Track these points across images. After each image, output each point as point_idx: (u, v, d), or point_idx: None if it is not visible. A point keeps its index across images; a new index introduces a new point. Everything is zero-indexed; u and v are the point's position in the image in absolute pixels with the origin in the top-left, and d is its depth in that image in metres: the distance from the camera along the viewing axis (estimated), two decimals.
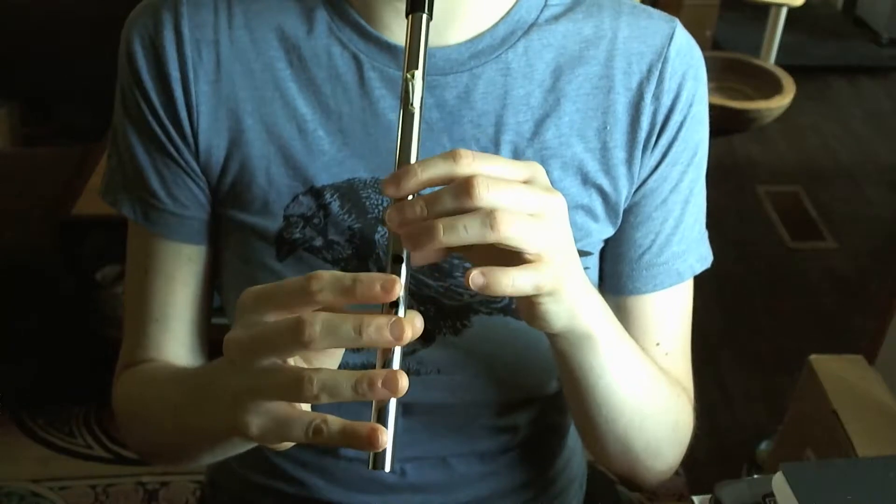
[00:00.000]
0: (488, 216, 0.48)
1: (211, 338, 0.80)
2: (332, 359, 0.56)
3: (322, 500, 0.83)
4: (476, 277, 0.49)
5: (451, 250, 0.51)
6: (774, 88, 3.15)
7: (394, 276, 0.48)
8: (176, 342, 0.78)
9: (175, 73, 0.70)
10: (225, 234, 0.76)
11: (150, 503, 1.88)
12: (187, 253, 0.76)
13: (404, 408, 0.77)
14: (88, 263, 2.03)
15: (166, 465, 1.80)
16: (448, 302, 0.72)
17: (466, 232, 0.48)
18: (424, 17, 0.55)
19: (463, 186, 0.49)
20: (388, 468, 0.48)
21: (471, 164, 0.50)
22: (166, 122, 0.71)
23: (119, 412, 0.80)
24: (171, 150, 0.72)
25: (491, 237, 0.49)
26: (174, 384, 0.71)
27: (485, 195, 0.49)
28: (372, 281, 0.47)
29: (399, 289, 0.47)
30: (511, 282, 0.50)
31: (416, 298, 0.72)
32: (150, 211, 0.75)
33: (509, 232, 0.49)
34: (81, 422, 2.04)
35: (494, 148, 0.71)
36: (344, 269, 0.72)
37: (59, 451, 1.97)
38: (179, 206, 0.74)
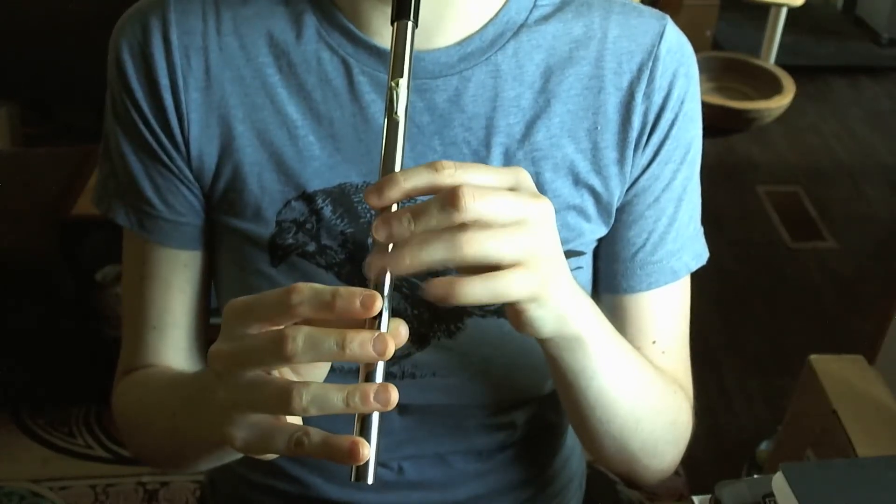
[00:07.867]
0: (452, 240, 0.48)
1: (209, 338, 0.80)
2: (319, 370, 0.56)
3: (321, 497, 0.83)
4: (433, 288, 0.49)
5: None
6: (774, 88, 3.15)
7: (374, 291, 0.47)
8: (174, 348, 0.78)
9: (164, 81, 0.70)
10: (219, 240, 0.76)
11: (150, 503, 1.88)
12: (183, 259, 0.76)
13: (401, 408, 0.77)
14: (88, 263, 2.03)
15: (166, 470, 1.80)
16: (442, 305, 0.72)
17: (431, 257, 0.49)
18: (410, 24, 0.55)
19: (449, 198, 0.49)
20: (370, 480, 0.48)
21: (453, 173, 0.50)
22: (157, 129, 0.71)
23: (118, 418, 0.80)
24: (164, 157, 0.72)
25: (456, 260, 0.49)
26: (169, 391, 0.71)
27: (471, 205, 0.49)
28: (352, 296, 0.47)
29: (379, 304, 0.47)
30: (471, 291, 0.50)
31: (410, 301, 0.72)
32: (145, 219, 0.74)
33: (473, 251, 0.49)
34: (81, 422, 2.04)
35: (485, 150, 0.71)
36: (338, 274, 0.72)
37: (59, 451, 1.97)
38: (174, 213, 0.74)
